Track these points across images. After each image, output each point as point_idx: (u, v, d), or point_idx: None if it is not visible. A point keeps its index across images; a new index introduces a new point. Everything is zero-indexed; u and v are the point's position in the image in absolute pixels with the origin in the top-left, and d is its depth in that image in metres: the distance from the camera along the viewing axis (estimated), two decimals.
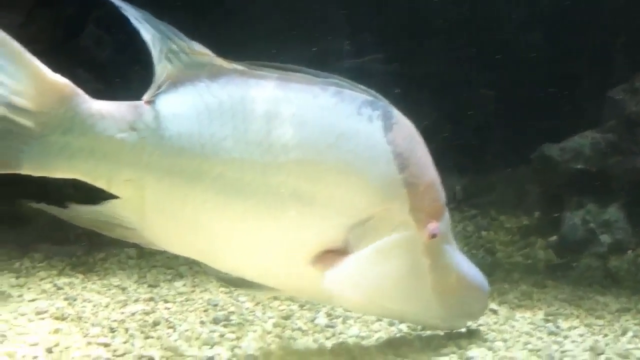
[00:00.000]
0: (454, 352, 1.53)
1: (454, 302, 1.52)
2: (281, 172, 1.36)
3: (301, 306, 1.89)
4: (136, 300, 1.96)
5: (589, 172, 2.57)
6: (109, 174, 1.38)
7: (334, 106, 1.40)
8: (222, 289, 2.07)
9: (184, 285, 2.14)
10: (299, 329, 1.72)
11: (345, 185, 1.38)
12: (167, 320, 1.77)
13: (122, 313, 1.84)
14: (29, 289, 2.09)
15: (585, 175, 2.57)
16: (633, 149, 2.50)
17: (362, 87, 1.43)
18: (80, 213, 1.45)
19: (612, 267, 2.40)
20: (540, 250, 2.59)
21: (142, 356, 1.53)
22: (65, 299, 1.95)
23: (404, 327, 1.70)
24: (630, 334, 1.69)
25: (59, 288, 2.08)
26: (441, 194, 1.48)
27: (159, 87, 1.39)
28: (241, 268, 1.48)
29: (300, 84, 1.40)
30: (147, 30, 1.38)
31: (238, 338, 1.66)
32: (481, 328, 1.69)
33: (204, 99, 1.38)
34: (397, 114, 1.44)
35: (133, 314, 1.83)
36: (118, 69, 2.68)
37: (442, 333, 1.62)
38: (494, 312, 1.85)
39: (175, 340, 1.63)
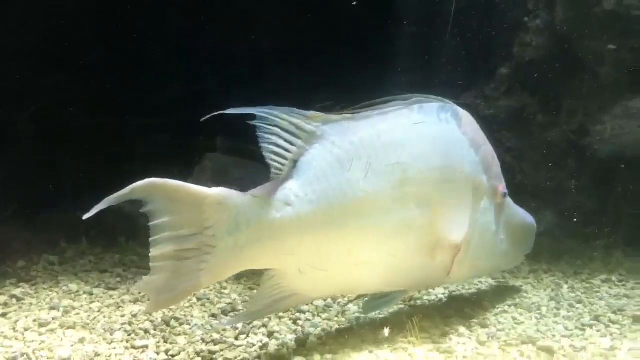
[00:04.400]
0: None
1: (521, 242, 1.92)
2: (406, 187, 1.58)
3: None
4: (123, 303, 1.95)
5: None
6: (274, 253, 1.50)
7: (423, 120, 1.65)
8: None
9: None
10: None
11: (455, 180, 1.65)
12: (174, 318, 1.81)
13: (123, 316, 1.83)
14: None
15: None
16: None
17: (431, 96, 1.70)
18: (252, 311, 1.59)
19: None
20: None
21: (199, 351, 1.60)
22: (52, 309, 1.87)
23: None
24: None
25: (19, 299, 1.96)
26: (497, 160, 1.80)
27: (293, 160, 1.54)
28: (383, 283, 1.64)
29: (395, 112, 1.63)
30: (265, 128, 1.53)
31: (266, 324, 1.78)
32: None
33: (333, 153, 1.55)
34: (458, 109, 1.73)
35: (134, 316, 1.83)
36: None
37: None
38: None
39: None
